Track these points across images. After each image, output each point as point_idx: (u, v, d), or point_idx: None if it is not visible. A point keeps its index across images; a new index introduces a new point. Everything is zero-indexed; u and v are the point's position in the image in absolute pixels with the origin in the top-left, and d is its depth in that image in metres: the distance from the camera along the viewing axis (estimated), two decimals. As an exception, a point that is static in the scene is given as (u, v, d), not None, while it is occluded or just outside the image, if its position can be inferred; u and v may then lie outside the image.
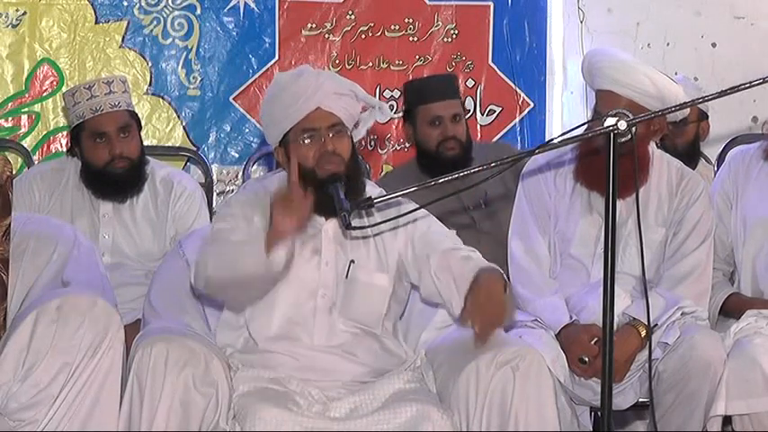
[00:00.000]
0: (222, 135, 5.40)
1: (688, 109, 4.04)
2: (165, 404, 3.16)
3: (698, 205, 3.88)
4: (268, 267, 3.15)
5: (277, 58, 5.41)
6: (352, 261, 3.42)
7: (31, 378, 3.17)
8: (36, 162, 5.10)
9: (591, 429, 3.82)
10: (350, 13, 5.44)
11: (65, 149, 4.78)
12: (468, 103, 5.40)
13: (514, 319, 3.51)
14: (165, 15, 5.35)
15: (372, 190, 3.45)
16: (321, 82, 3.36)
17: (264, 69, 5.39)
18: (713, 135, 5.13)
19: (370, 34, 5.45)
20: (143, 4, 5.34)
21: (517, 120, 5.52)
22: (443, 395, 3.30)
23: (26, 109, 5.29)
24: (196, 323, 3.52)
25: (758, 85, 2.94)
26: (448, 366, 3.33)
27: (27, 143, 5.22)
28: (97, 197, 4.39)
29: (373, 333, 3.42)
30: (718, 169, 4.60)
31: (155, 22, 5.35)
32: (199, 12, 5.37)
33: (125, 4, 5.33)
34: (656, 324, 3.68)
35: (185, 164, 5.26)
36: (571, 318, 3.78)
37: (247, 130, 5.40)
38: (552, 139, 4.06)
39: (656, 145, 4.01)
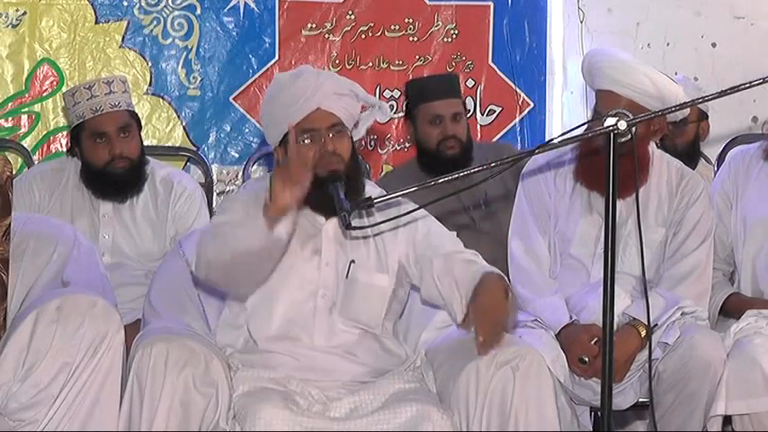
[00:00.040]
0: (222, 135, 5.40)
1: (688, 109, 4.04)
2: (165, 404, 3.16)
3: (698, 205, 3.88)
4: (270, 239, 3.13)
5: (277, 58, 5.41)
6: (353, 261, 3.42)
7: (31, 378, 3.17)
8: (36, 162, 5.10)
9: (591, 429, 3.82)
10: (350, 13, 5.43)
11: (65, 149, 4.78)
12: (468, 103, 5.40)
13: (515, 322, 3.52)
14: (165, 15, 5.35)
15: (372, 190, 3.45)
16: (321, 82, 3.36)
17: (264, 69, 5.39)
18: (713, 135, 5.13)
19: (370, 34, 5.45)
20: (143, 4, 5.34)
21: (517, 120, 5.52)
22: (443, 395, 3.30)
23: (26, 109, 5.29)
24: (196, 323, 3.51)
25: (758, 85, 2.94)
26: (448, 366, 3.33)
27: (27, 143, 5.22)
28: (97, 197, 4.39)
29: (373, 333, 3.41)
30: (718, 169, 4.60)
31: (155, 22, 5.34)
32: (199, 12, 5.37)
33: (125, 4, 5.33)
34: (656, 324, 3.68)
35: (185, 164, 5.26)
36: (571, 318, 3.78)
37: (247, 130, 5.40)
38: (552, 139, 4.06)
39: (656, 145, 4.01)
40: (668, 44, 5.63)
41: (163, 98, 5.36)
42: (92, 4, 5.30)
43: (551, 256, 3.93)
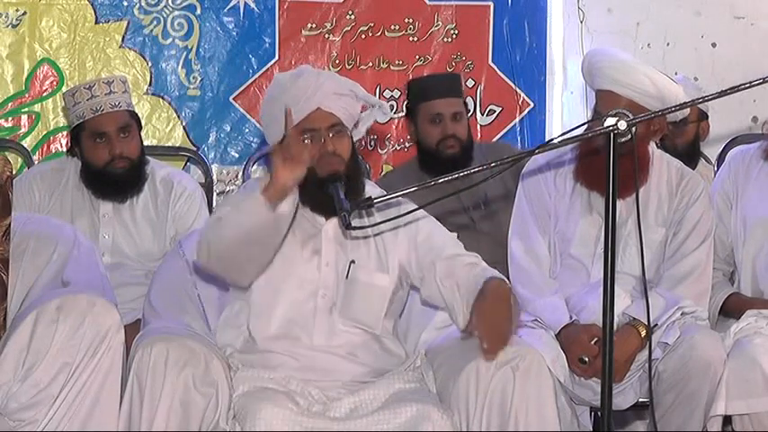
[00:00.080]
0: (222, 135, 5.40)
1: (688, 109, 4.04)
2: (165, 404, 3.16)
3: (698, 205, 3.88)
4: (271, 216, 3.13)
5: (277, 58, 5.41)
6: (353, 261, 3.41)
7: (31, 378, 3.17)
8: (36, 162, 5.10)
9: (591, 429, 3.82)
10: (350, 13, 5.43)
11: (65, 149, 4.78)
12: (468, 103, 5.40)
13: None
14: (165, 15, 5.35)
15: (372, 190, 3.44)
16: (321, 82, 3.35)
17: (264, 69, 5.39)
18: (713, 135, 5.13)
19: (370, 34, 5.45)
20: (143, 4, 5.34)
21: (517, 120, 5.52)
22: (443, 395, 3.30)
23: (26, 109, 5.29)
24: (196, 323, 3.52)
25: (758, 85, 2.94)
26: (448, 366, 3.33)
27: (27, 143, 5.22)
28: (97, 197, 4.39)
29: (373, 333, 3.41)
30: (718, 169, 4.60)
31: (155, 22, 5.35)
32: (199, 12, 5.37)
33: (125, 4, 5.33)
34: (656, 324, 3.68)
35: (185, 164, 5.26)
36: (571, 318, 3.78)
37: (247, 130, 5.40)
38: (552, 139, 4.05)
39: (656, 145, 4.01)
40: (668, 44, 5.63)
41: (163, 98, 5.36)
42: (92, 4, 5.31)
43: (551, 256, 3.93)
